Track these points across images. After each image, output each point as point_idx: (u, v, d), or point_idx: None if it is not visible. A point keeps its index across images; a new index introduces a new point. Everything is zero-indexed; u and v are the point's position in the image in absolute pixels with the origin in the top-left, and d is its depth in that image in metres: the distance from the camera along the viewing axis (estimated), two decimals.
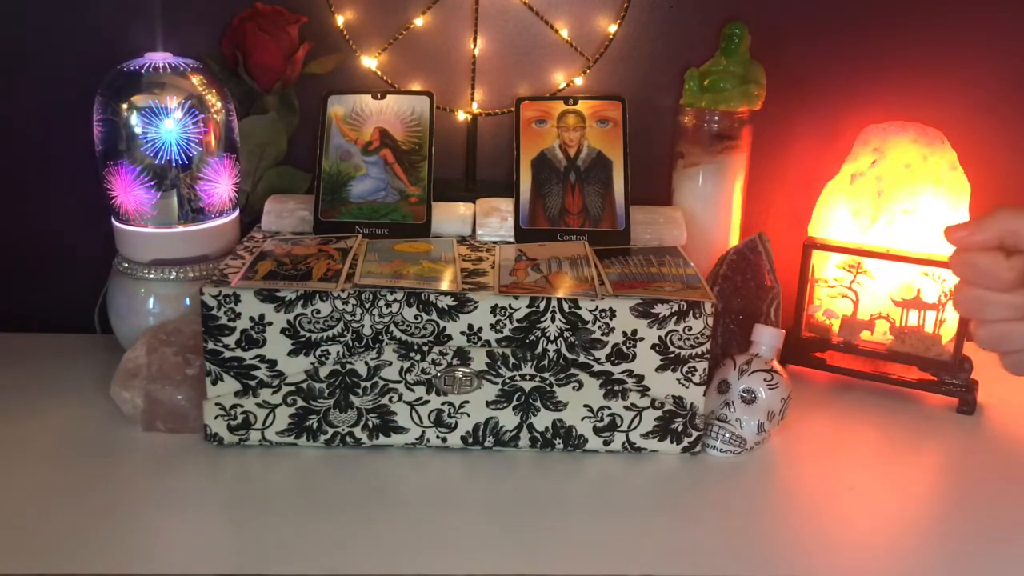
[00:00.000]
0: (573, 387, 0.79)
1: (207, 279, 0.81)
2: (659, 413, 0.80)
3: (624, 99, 0.94)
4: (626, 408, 0.80)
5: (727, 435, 0.82)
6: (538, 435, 0.81)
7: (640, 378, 0.79)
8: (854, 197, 0.97)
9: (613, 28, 1.02)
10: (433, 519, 0.72)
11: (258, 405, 0.79)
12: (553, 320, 0.77)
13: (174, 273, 0.89)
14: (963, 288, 0.52)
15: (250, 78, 0.96)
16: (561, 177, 0.92)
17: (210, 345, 0.78)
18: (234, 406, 0.79)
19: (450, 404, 0.80)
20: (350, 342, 0.78)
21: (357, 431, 0.80)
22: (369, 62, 1.02)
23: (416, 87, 1.03)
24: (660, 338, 0.78)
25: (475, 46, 1.02)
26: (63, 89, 1.00)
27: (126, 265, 0.91)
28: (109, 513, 0.71)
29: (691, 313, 0.77)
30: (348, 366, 0.78)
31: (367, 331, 0.77)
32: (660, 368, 0.79)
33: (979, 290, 0.51)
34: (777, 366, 0.84)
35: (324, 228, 0.90)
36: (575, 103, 0.95)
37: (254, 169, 1.00)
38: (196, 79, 0.88)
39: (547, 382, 0.79)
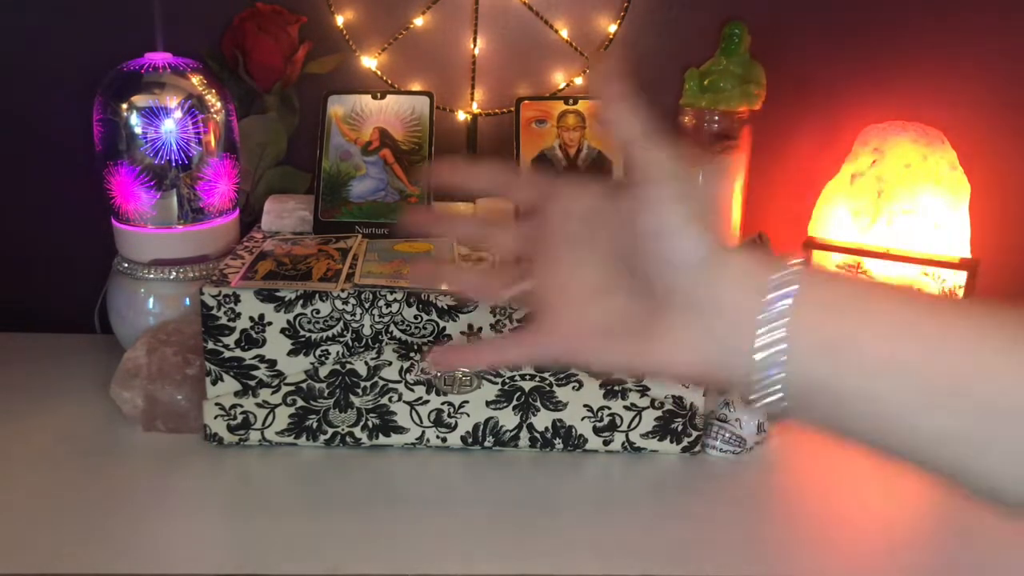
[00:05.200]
0: (573, 387, 0.79)
1: (207, 279, 0.81)
2: (659, 413, 0.80)
3: None
4: (626, 408, 0.80)
5: (727, 435, 0.82)
6: (538, 435, 0.81)
7: (640, 378, 0.79)
8: (854, 197, 0.97)
9: (613, 28, 1.02)
10: (433, 519, 0.72)
11: (258, 405, 0.79)
12: None
13: (174, 273, 0.89)
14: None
15: (250, 78, 0.96)
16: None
17: (210, 345, 0.78)
18: (234, 406, 0.79)
19: (450, 404, 0.80)
20: (350, 342, 0.78)
21: (357, 431, 0.80)
22: (369, 62, 1.01)
23: (416, 87, 1.03)
24: None
25: (475, 46, 1.02)
26: (63, 89, 1.00)
27: (126, 265, 0.91)
28: (109, 513, 0.71)
29: None
30: (348, 366, 0.78)
31: (367, 331, 0.77)
32: None
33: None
34: None
35: (324, 228, 0.90)
36: (575, 103, 0.95)
37: (254, 169, 1.00)
38: (196, 79, 0.88)
39: (547, 382, 0.79)
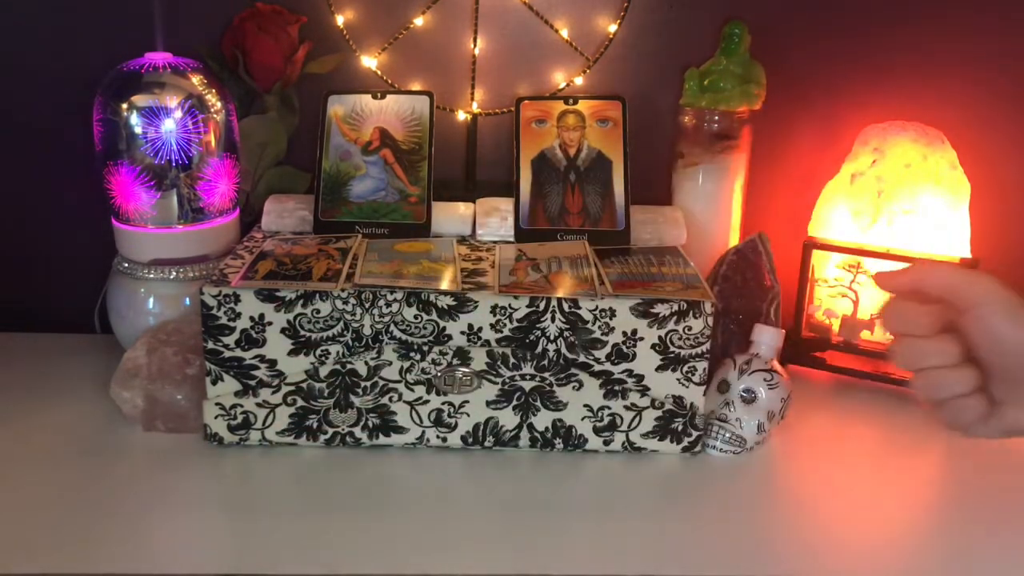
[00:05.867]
0: (573, 387, 0.79)
1: (207, 279, 0.81)
2: (659, 413, 0.80)
3: (624, 99, 0.94)
4: (626, 408, 0.80)
5: (727, 435, 0.82)
6: (538, 435, 0.81)
7: (640, 378, 0.79)
8: (854, 197, 0.97)
9: (613, 28, 1.02)
10: (433, 519, 0.72)
11: (258, 405, 0.79)
12: (553, 320, 0.77)
13: (174, 273, 0.89)
14: (897, 340, 0.56)
15: (250, 78, 0.96)
16: (561, 177, 0.92)
17: (210, 345, 0.78)
18: (234, 406, 0.79)
19: (450, 404, 0.80)
20: (350, 342, 0.78)
21: (357, 431, 0.80)
22: (369, 62, 1.02)
23: (416, 87, 1.03)
24: (660, 338, 0.78)
25: (475, 46, 1.02)
26: (63, 89, 1.00)
27: (126, 265, 0.91)
28: (109, 513, 0.71)
29: (691, 313, 0.77)
30: (348, 366, 0.78)
31: (367, 331, 0.77)
32: (660, 368, 0.79)
33: (911, 338, 0.55)
34: (777, 366, 0.84)
35: (324, 228, 0.90)
36: (575, 103, 0.95)
37: (254, 169, 1.00)
38: (196, 79, 0.88)
39: (547, 382, 0.79)
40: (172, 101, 0.86)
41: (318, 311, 0.77)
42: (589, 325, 0.77)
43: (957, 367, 0.54)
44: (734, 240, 1.01)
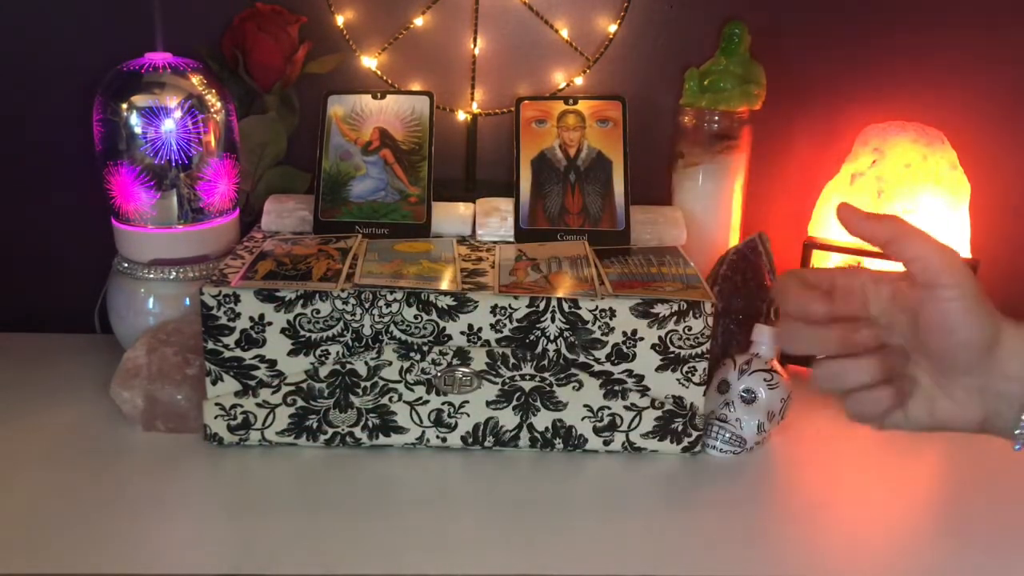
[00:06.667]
0: (573, 387, 0.79)
1: (207, 279, 0.81)
2: (659, 413, 0.80)
3: (624, 99, 0.94)
4: (626, 408, 0.80)
5: (727, 435, 0.82)
6: (538, 435, 0.81)
7: (640, 378, 0.79)
8: (854, 197, 0.97)
9: (613, 28, 1.02)
10: (433, 519, 0.72)
11: (258, 405, 0.79)
12: (553, 320, 0.77)
13: (174, 273, 0.89)
14: (784, 322, 0.53)
15: (250, 78, 0.96)
16: (561, 177, 0.92)
17: (210, 345, 0.78)
18: (234, 406, 0.79)
19: (450, 404, 0.80)
20: (350, 342, 0.78)
21: (357, 431, 0.80)
22: (369, 62, 1.02)
23: (416, 87, 1.03)
24: (660, 338, 0.78)
25: (475, 46, 1.02)
26: (63, 89, 1.00)
27: (126, 265, 0.91)
28: (109, 513, 0.71)
29: (691, 313, 0.77)
30: (348, 366, 0.78)
31: (367, 331, 0.77)
32: (660, 368, 0.79)
33: (797, 324, 0.53)
34: (777, 366, 0.84)
35: (324, 228, 0.90)
36: (575, 103, 0.95)
37: (254, 169, 1.00)
38: (196, 79, 0.88)
39: (547, 382, 0.79)
40: (172, 101, 0.86)
41: (318, 311, 0.77)
42: (589, 325, 0.77)
43: (860, 357, 0.52)
44: (734, 240, 1.01)
